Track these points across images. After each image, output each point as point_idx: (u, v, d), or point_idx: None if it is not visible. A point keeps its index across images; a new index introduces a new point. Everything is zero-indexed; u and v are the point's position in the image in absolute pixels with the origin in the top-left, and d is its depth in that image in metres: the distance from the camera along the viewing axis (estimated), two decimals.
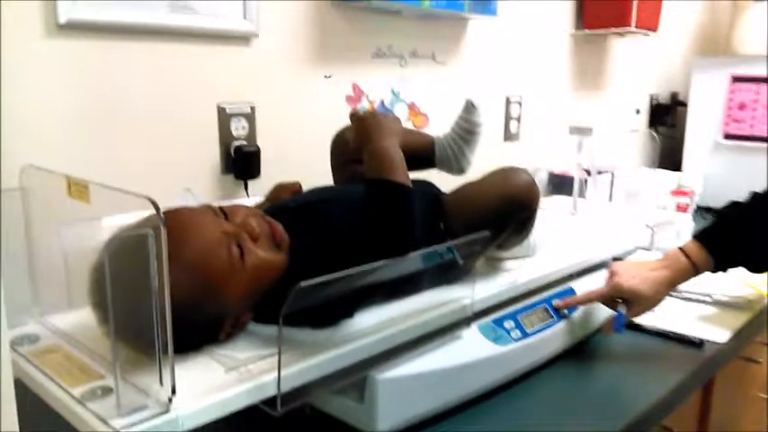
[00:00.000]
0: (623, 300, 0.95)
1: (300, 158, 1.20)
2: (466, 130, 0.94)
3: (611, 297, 0.96)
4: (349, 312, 0.72)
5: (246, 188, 1.17)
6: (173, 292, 0.63)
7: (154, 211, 0.54)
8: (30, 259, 0.76)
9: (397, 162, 0.78)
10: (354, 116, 0.85)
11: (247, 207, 0.75)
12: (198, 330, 0.67)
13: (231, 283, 0.67)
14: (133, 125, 1.03)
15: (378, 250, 0.68)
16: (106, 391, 0.58)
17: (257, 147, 1.17)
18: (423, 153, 0.94)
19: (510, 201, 0.85)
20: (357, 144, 0.83)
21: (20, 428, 0.53)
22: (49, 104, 0.94)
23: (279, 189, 0.92)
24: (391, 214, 0.73)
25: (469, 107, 0.93)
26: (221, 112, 1.13)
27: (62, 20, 0.91)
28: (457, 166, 0.95)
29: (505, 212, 0.85)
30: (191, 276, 0.64)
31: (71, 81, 0.95)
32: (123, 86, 1.01)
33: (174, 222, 0.67)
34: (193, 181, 1.12)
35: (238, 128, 1.15)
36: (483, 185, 0.87)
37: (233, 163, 1.16)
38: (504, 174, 0.87)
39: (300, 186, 0.93)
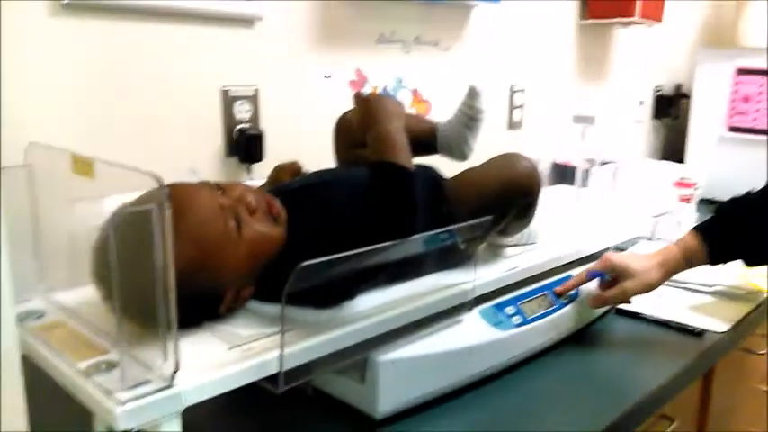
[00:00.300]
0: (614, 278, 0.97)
1: (304, 142, 1.20)
2: (468, 117, 0.94)
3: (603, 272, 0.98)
4: (351, 293, 0.73)
5: (250, 171, 1.17)
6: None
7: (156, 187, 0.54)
8: (35, 236, 0.76)
9: (400, 145, 0.78)
10: (359, 98, 0.85)
11: (245, 184, 0.76)
12: (197, 303, 0.67)
13: (229, 254, 0.68)
14: (136, 106, 1.03)
15: (379, 232, 0.69)
16: (111, 365, 0.59)
17: (261, 130, 1.17)
18: (425, 139, 0.94)
19: (512, 186, 0.85)
20: (361, 126, 0.82)
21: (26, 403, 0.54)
22: (52, 85, 0.94)
23: (278, 171, 0.93)
24: (393, 196, 0.73)
25: (473, 93, 0.93)
26: (225, 94, 1.13)
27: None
28: (459, 153, 0.95)
29: (507, 198, 0.86)
30: (188, 247, 0.64)
31: (74, 62, 0.96)
32: (126, 67, 1.01)
33: (172, 195, 0.68)
34: (197, 164, 1.12)
35: (242, 111, 1.16)
36: (485, 171, 0.87)
37: (236, 146, 1.16)
38: (507, 159, 0.87)
39: (299, 166, 0.93)
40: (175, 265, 0.62)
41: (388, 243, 0.67)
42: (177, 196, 0.67)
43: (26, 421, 0.54)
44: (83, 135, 0.97)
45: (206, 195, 0.70)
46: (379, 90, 1.38)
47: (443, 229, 0.77)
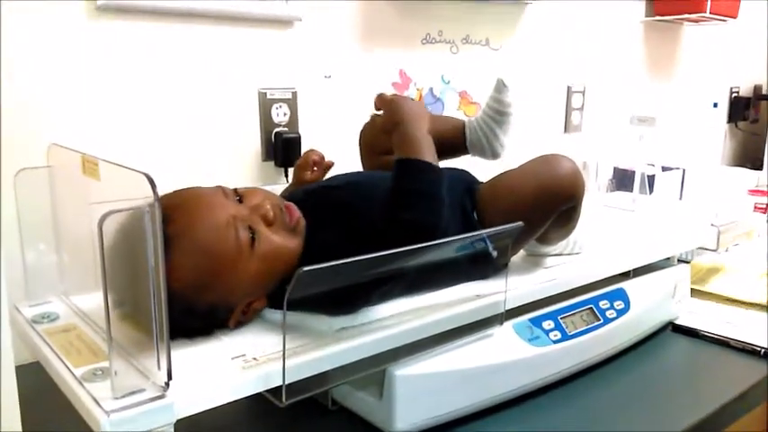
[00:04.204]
0: None
1: (342, 146, 1.17)
2: (497, 111, 0.88)
3: None
4: (365, 300, 0.69)
5: (287, 175, 1.15)
6: (179, 275, 0.61)
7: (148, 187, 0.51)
8: (56, 238, 0.76)
9: (426, 145, 0.73)
10: (383, 99, 0.81)
11: (264, 191, 0.73)
12: (205, 317, 0.65)
13: (240, 269, 0.64)
14: (171, 109, 1.03)
15: (398, 231, 0.65)
16: (107, 373, 0.57)
17: (298, 134, 1.15)
18: (453, 138, 0.89)
19: (552, 191, 0.79)
20: (386, 128, 0.78)
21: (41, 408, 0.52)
22: (86, 87, 0.94)
23: (298, 169, 0.89)
24: (413, 191, 0.69)
25: (500, 86, 0.87)
26: (262, 97, 1.12)
27: (99, 2, 0.91)
28: (490, 150, 0.90)
29: (547, 203, 0.79)
30: (197, 261, 0.62)
31: (110, 64, 0.96)
32: (161, 70, 1.01)
33: (182, 202, 0.65)
34: (234, 167, 1.11)
35: (279, 114, 1.14)
36: (521, 173, 0.81)
37: (273, 150, 1.14)
38: (546, 161, 0.81)
39: (317, 155, 0.89)
40: (184, 279, 0.61)
41: (404, 248, 0.63)
42: (189, 204, 0.65)
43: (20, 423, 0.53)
44: (117, 138, 0.97)
45: (220, 205, 0.66)
46: (424, 91, 1.34)
47: (470, 234, 0.72)
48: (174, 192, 0.67)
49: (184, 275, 0.61)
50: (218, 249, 0.63)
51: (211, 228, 0.63)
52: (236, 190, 0.70)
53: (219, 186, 0.69)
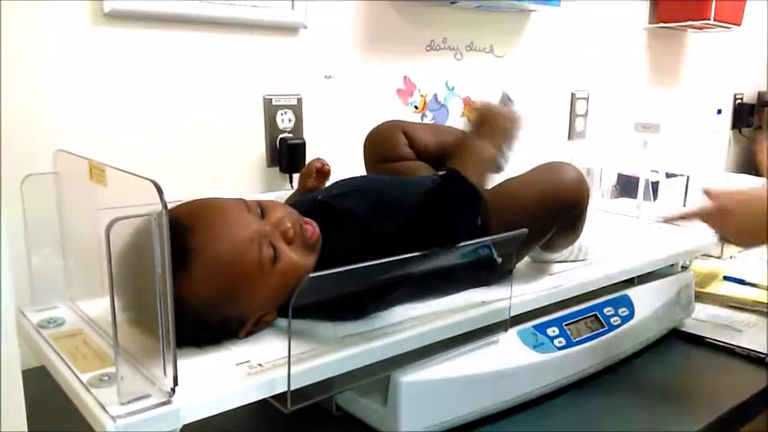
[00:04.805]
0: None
1: (347, 152, 1.17)
2: None
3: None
4: (372, 308, 0.69)
5: (291, 181, 1.16)
6: (198, 289, 0.61)
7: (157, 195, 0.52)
8: (63, 243, 0.76)
9: (486, 170, 0.74)
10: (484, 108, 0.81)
11: (284, 206, 0.73)
12: (217, 328, 0.65)
13: (259, 285, 0.64)
14: (178, 115, 1.03)
15: (421, 235, 0.65)
16: (114, 378, 0.57)
17: (303, 140, 1.15)
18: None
19: (556, 198, 0.79)
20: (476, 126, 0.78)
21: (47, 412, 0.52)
22: (92, 93, 0.95)
23: (303, 177, 0.90)
24: (451, 208, 0.68)
25: (505, 99, 0.88)
26: (267, 103, 1.12)
27: (107, 9, 0.92)
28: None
29: (551, 210, 0.80)
30: (218, 276, 0.62)
31: (116, 70, 0.96)
32: (167, 76, 1.02)
33: (205, 214, 0.65)
34: (238, 173, 1.11)
35: (284, 120, 1.14)
36: (526, 181, 0.82)
37: (278, 155, 1.14)
38: (550, 168, 0.81)
39: (321, 164, 0.90)
40: (202, 293, 0.61)
41: (410, 255, 0.63)
42: (213, 218, 0.65)
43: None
44: (122, 143, 0.98)
45: (244, 220, 0.66)
46: (428, 98, 1.34)
47: (475, 241, 0.72)
48: (196, 201, 0.67)
49: (203, 290, 0.61)
50: (240, 266, 0.63)
51: (235, 243, 0.63)
52: (258, 203, 0.69)
53: (241, 199, 0.69)
